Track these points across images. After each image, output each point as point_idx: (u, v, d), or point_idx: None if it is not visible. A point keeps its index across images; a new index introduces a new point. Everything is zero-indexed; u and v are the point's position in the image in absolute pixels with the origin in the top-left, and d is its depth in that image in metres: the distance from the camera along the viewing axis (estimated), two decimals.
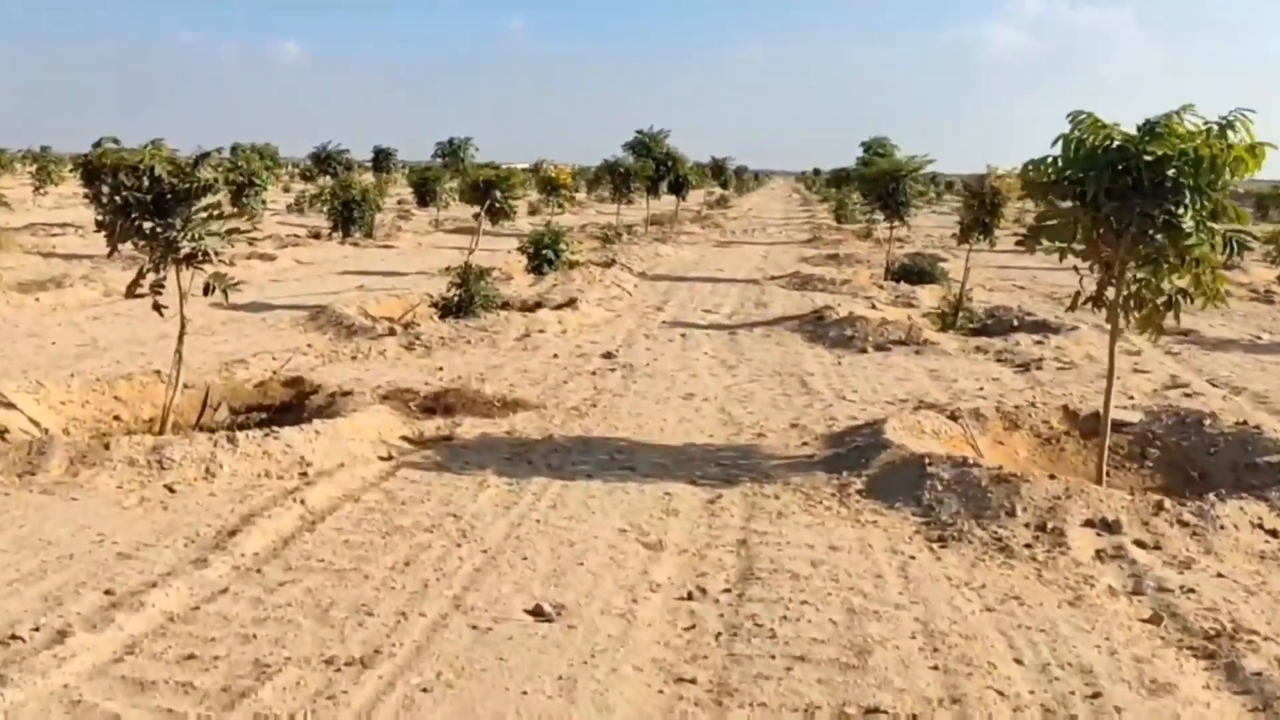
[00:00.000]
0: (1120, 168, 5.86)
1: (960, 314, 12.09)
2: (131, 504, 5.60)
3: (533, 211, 31.07)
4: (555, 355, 10.63)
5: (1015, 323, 12.63)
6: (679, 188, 31.23)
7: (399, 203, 44.92)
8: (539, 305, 13.79)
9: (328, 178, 29.79)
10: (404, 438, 7.18)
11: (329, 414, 7.39)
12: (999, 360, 10.41)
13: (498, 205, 13.39)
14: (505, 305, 13.37)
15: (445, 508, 5.72)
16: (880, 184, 17.58)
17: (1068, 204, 6.21)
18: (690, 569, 4.94)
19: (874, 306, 13.51)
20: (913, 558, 5.14)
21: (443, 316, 12.80)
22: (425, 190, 31.26)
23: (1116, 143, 5.91)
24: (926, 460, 6.15)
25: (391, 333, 11.35)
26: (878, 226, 30.17)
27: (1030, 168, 6.31)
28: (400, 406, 7.97)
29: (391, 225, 29.92)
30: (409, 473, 6.36)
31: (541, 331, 11.74)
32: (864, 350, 10.82)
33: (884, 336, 11.14)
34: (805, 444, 7.29)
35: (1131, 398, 8.74)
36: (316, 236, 24.00)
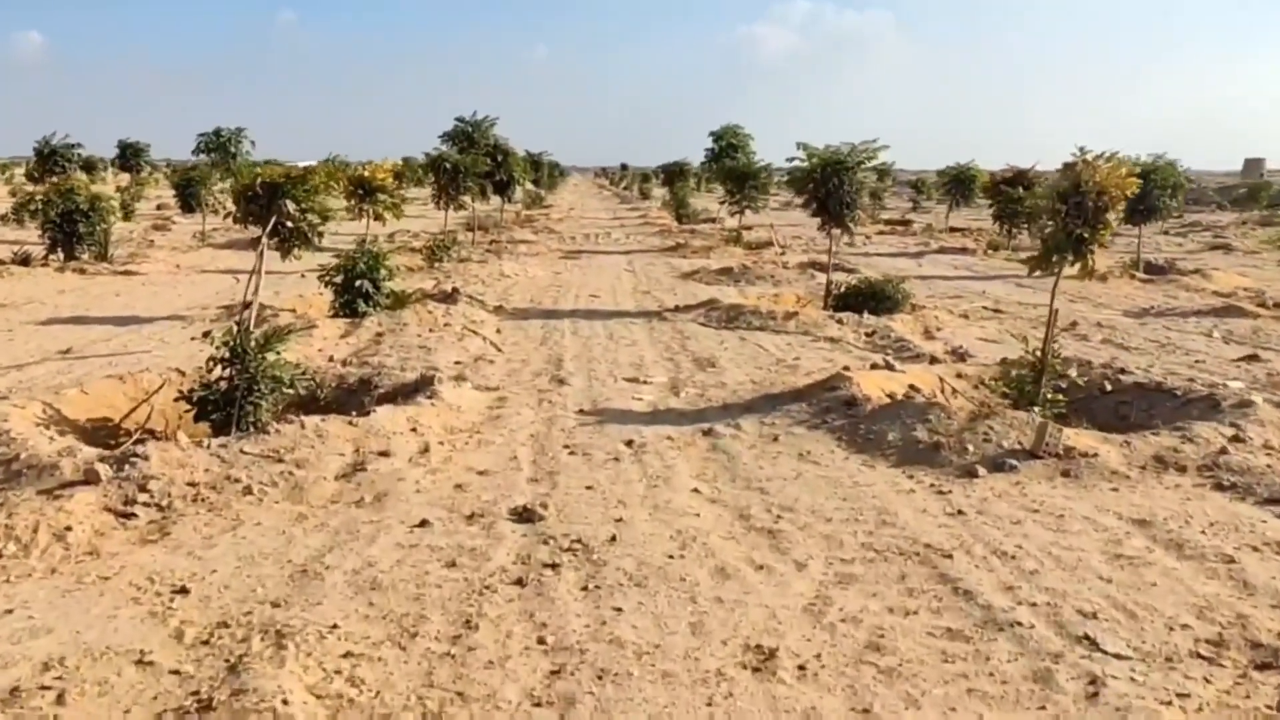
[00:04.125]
0: None
1: (1046, 378, 7.73)
2: None
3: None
4: (422, 523, 5.48)
5: (1108, 386, 8.37)
6: (506, 186, 26.02)
7: (158, 208, 37.50)
8: (367, 386, 8.48)
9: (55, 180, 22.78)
10: None
11: None
12: (1220, 487, 5.99)
13: (290, 225, 7.95)
14: (311, 397, 8.00)
15: None
16: (815, 183, 13.16)
17: None
18: None
19: (888, 365, 8.96)
20: None
21: (201, 418, 7.39)
22: (190, 194, 24.75)
23: None
24: None
25: (90, 479, 5.85)
26: (751, 228, 26.06)
27: None
28: None
29: (141, 241, 23.31)
30: None
31: (385, 455, 6.52)
32: (970, 472, 6.20)
33: (981, 437, 6.57)
34: None
35: None
36: (25, 261, 17.35)
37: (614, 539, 5.25)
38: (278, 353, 7.63)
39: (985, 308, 13.97)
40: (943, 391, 8.56)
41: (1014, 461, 6.23)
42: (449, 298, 13.73)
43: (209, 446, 6.38)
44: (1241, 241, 26.25)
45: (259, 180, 8.17)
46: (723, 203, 26.57)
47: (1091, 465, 6.14)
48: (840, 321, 11.99)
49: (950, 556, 4.95)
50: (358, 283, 12.64)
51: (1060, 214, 7.79)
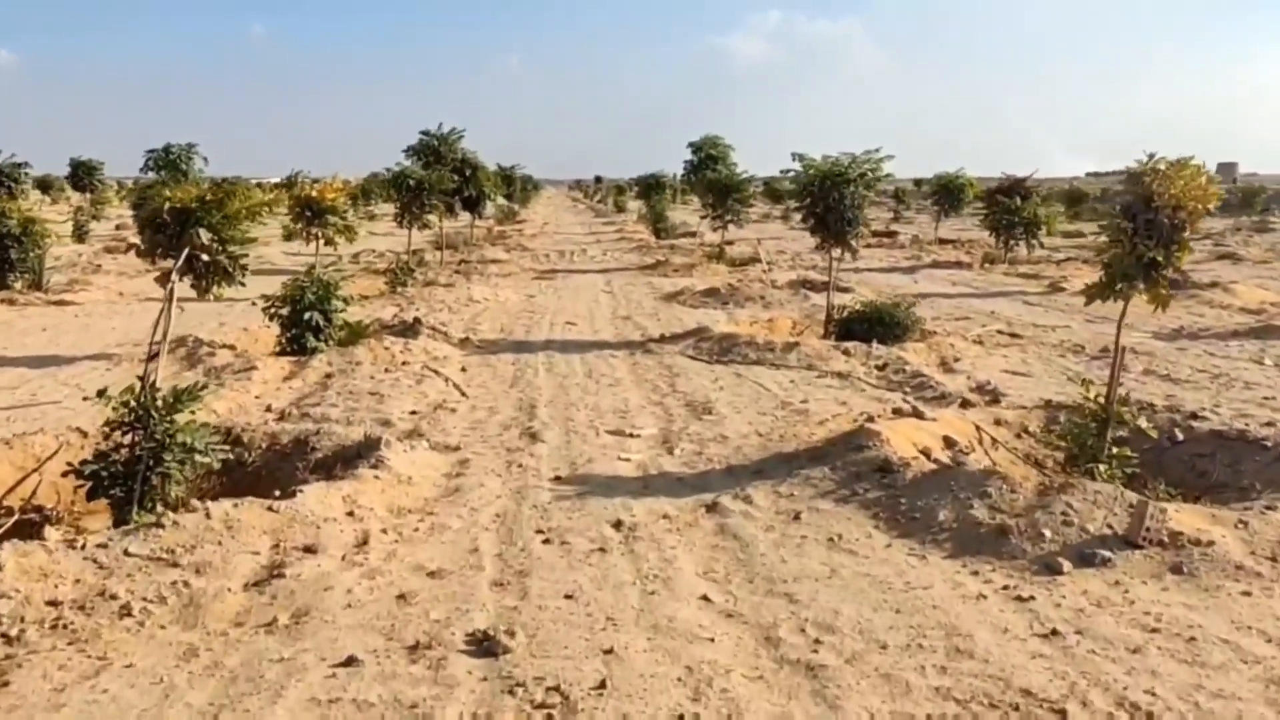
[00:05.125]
0: None
1: (1112, 428, 6.47)
2: None
3: (288, 236, 23.72)
4: (349, 661, 4.13)
5: (1178, 434, 7.12)
6: (475, 203, 24.65)
7: (118, 228, 35.82)
8: (303, 449, 7.11)
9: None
10: None
11: None
12: None
13: (207, 258, 6.59)
14: (238, 462, 6.65)
15: None
16: (813, 197, 11.91)
17: None
18: None
19: (915, 412, 7.66)
20: None
21: (96, 495, 6.02)
22: None
23: None
24: None
25: None
26: (733, 242, 24.85)
27: None
28: None
29: (87, 266, 21.79)
30: None
31: (311, 552, 5.16)
32: (1052, 567, 4.90)
33: (1059, 518, 5.27)
34: None
35: None
36: None
37: (603, 685, 3.92)
38: (192, 412, 6.29)
39: (1000, 332, 12.73)
40: (981, 443, 7.30)
41: (1106, 553, 4.95)
42: (409, 329, 12.37)
43: (84, 548, 5.00)
44: (1247, 250, 25.24)
45: (166, 206, 6.80)
46: (704, 216, 25.34)
47: (1208, 557, 4.86)
48: (847, 353, 10.71)
49: (1063, 714, 3.64)
50: (306, 315, 11.27)
51: (1128, 233, 6.55)
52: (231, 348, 11.35)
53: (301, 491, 5.71)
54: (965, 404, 8.21)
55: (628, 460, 7.05)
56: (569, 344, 12.19)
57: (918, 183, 63.00)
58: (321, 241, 11.88)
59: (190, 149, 22.79)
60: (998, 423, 7.62)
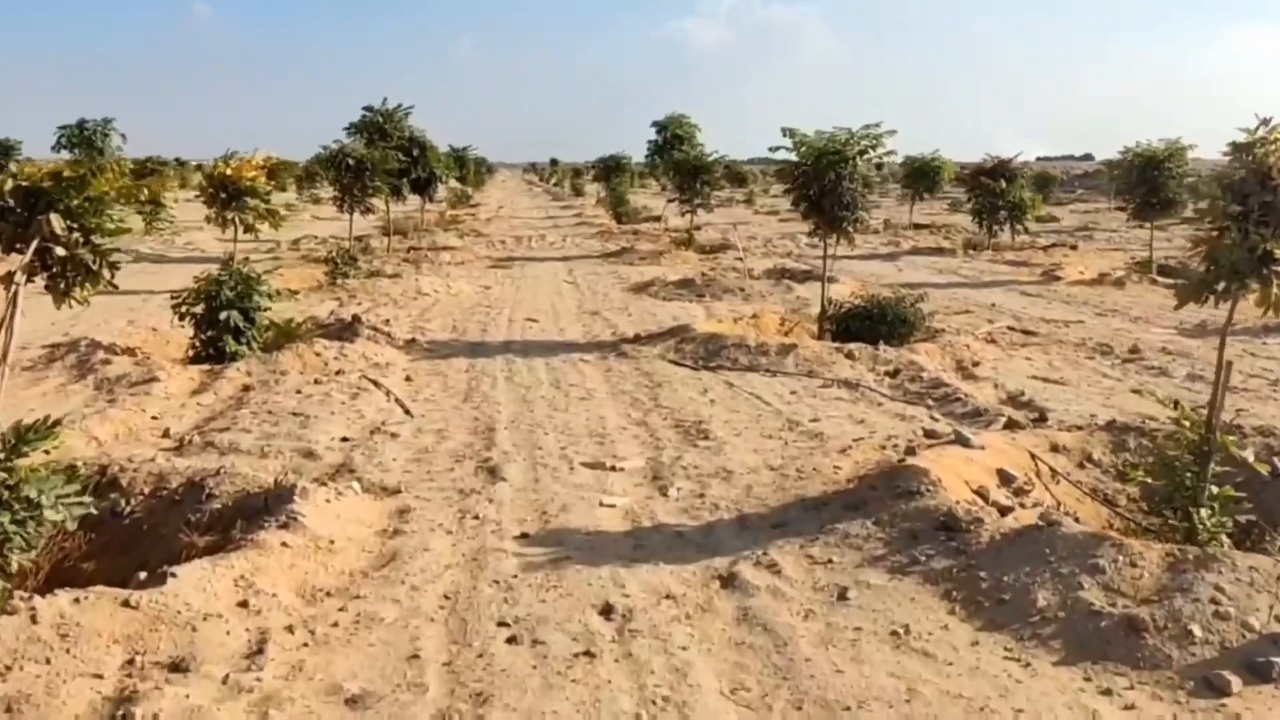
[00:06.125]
0: None
1: (1214, 464, 5.15)
2: None
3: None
4: None
5: (1277, 464, 5.83)
6: (425, 185, 22.94)
7: None
8: (198, 495, 5.57)
9: None
10: None
11: None
12: None
13: (63, 252, 5.02)
14: (111, 512, 5.13)
15: None
16: (806, 178, 10.51)
17: None
18: None
19: (959, 438, 6.27)
20: None
21: None
22: None
23: None
24: None
25: None
26: (700, 227, 23.47)
27: None
28: None
29: None
30: None
31: (180, 670, 3.66)
32: (1214, 685, 3.54)
33: (1209, 608, 3.91)
34: None
35: None
36: None
37: None
38: (47, 451, 4.77)
39: (1011, 329, 11.45)
40: (1039, 476, 5.97)
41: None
42: (347, 329, 10.80)
43: None
44: None
45: (9, 186, 5.23)
46: (671, 200, 23.90)
47: None
48: (851, 356, 9.35)
49: None
50: (223, 315, 9.68)
51: (1239, 219, 5.22)
52: (134, 352, 9.72)
53: (174, 575, 4.18)
54: (1011, 424, 6.85)
55: (612, 506, 5.61)
56: (531, 345, 10.71)
57: (878, 165, 62.12)
58: (241, 229, 10.23)
59: (107, 124, 20.95)
60: (1054, 449, 6.28)
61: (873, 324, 10.29)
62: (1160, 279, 15.35)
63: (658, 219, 29.80)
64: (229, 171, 9.94)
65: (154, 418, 7.63)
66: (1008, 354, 9.94)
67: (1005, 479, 5.74)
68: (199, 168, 30.61)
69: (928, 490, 5.10)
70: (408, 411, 7.76)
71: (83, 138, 20.17)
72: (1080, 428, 6.77)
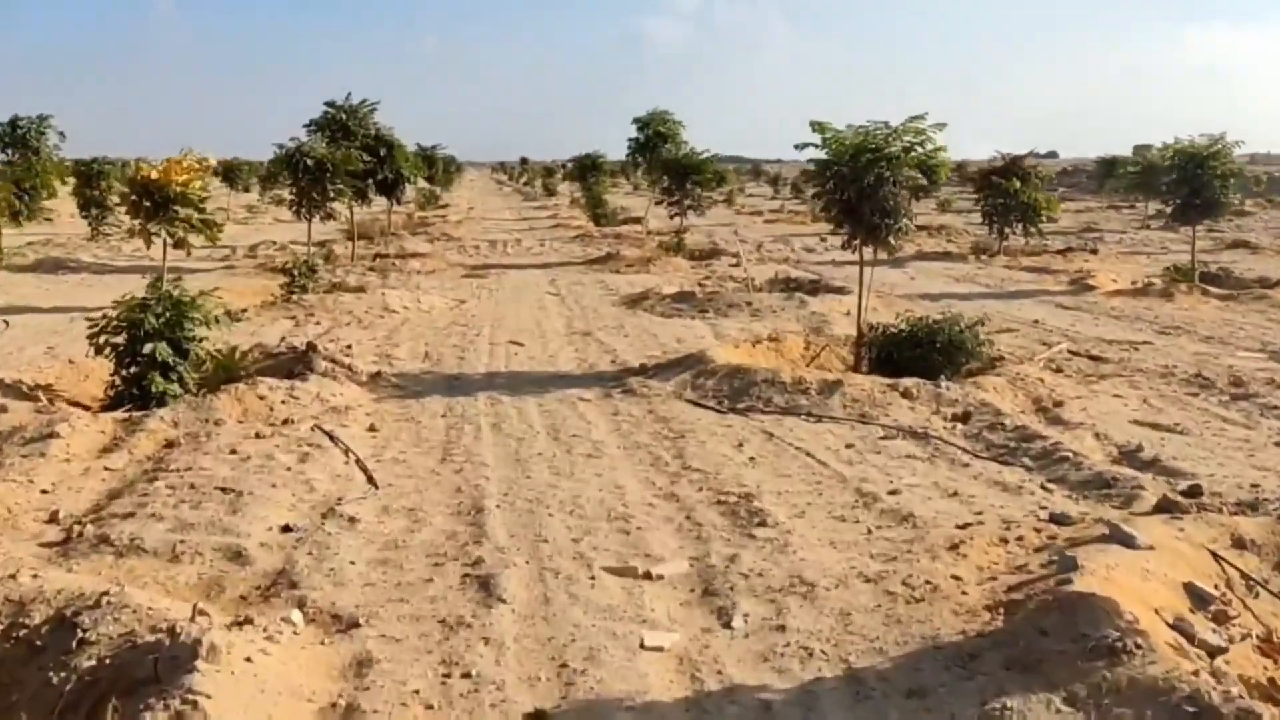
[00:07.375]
0: None
1: None
2: None
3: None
4: None
5: None
6: (392, 186, 21.17)
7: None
8: (66, 641, 3.88)
9: None
10: None
11: None
12: None
13: None
14: None
15: None
16: (841, 181, 8.92)
17: None
18: None
19: (1118, 534, 4.68)
20: None
21: None
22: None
23: None
24: None
25: None
26: (687, 230, 21.85)
27: None
28: None
29: None
30: None
31: None
32: None
33: None
34: None
35: None
36: None
37: None
38: None
39: (1074, 353, 9.91)
40: (1230, 586, 4.41)
41: None
42: (301, 360, 9.10)
43: None
44: (1260, 238, 23.01)
45: None
46: (659, 202, 22.28)
47: None
48: (908, 395, 7.77)
49: None
50: (148, 348, 7.95)
51: None
52: (39, 394, 7.98)
53: None
54: (1167, 505, 5.26)
55: (658, 649, 3.97)
56: (518, 379, 9.04)
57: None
58: (169, 242, 8.48)
59: (43, 122, 19.02)
60: (1237, 543, 4.73)
61: (924, 353, 8.72)
62: (1211, 289, 13.89)
63: (638, 221, 28.12)
64: (154, 175, 8.17)
65: (44, 491, 5.92)
66: (1088, 389, 8.39)
67: (1198, 599, 4.18)
68: (123, 165, 28.18)
69: (1134, 645, 3.49)
70: (372, 481, 6.07)
71: (15, 136, 18.24)
72: (1253, 507, 5.21)
